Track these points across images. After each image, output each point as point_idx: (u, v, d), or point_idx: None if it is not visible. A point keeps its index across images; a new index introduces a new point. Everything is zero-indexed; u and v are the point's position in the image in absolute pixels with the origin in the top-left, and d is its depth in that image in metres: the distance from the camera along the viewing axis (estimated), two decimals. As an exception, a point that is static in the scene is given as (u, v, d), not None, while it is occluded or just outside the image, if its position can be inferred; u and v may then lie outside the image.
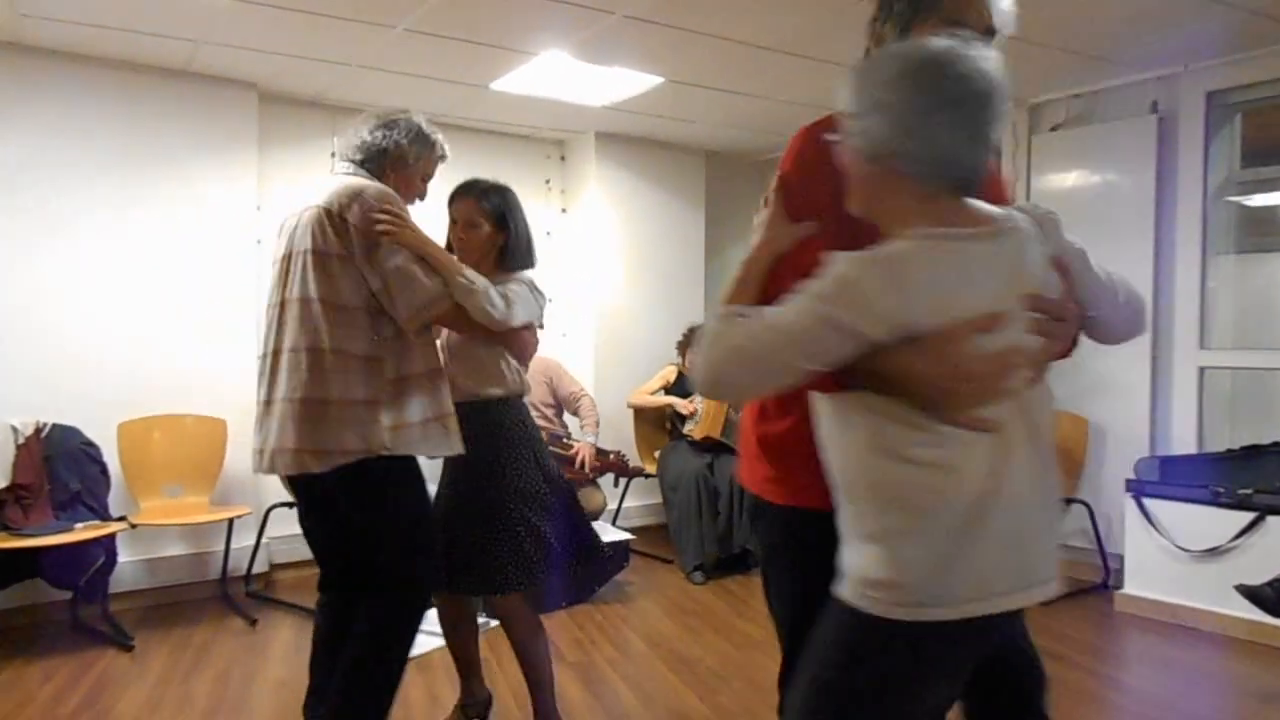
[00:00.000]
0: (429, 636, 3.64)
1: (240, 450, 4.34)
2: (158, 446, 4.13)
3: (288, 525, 4.50)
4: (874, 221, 1.30)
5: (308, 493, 2.42)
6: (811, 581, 1.41)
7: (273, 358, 2.29)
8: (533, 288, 2.54)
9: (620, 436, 5.20)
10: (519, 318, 2.42)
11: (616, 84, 4.41)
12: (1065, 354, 1.36)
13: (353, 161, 2.40)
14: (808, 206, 1.38)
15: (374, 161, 2.39)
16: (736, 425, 4.91)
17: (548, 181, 5.72)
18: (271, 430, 2.25)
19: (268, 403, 2.28)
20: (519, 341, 2.55)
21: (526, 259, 2.67)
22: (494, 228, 2.62)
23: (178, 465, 4.15)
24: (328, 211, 2.23)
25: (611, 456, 4.82)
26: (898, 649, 1.25)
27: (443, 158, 2.52)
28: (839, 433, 1.32)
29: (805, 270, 1.26)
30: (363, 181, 2.30)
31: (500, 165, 5.39)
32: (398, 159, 2.40)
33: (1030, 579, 1.28)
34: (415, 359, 2.30)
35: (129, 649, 3.59)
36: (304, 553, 4.66)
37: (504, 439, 2.58)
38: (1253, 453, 3.90)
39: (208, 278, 4.32)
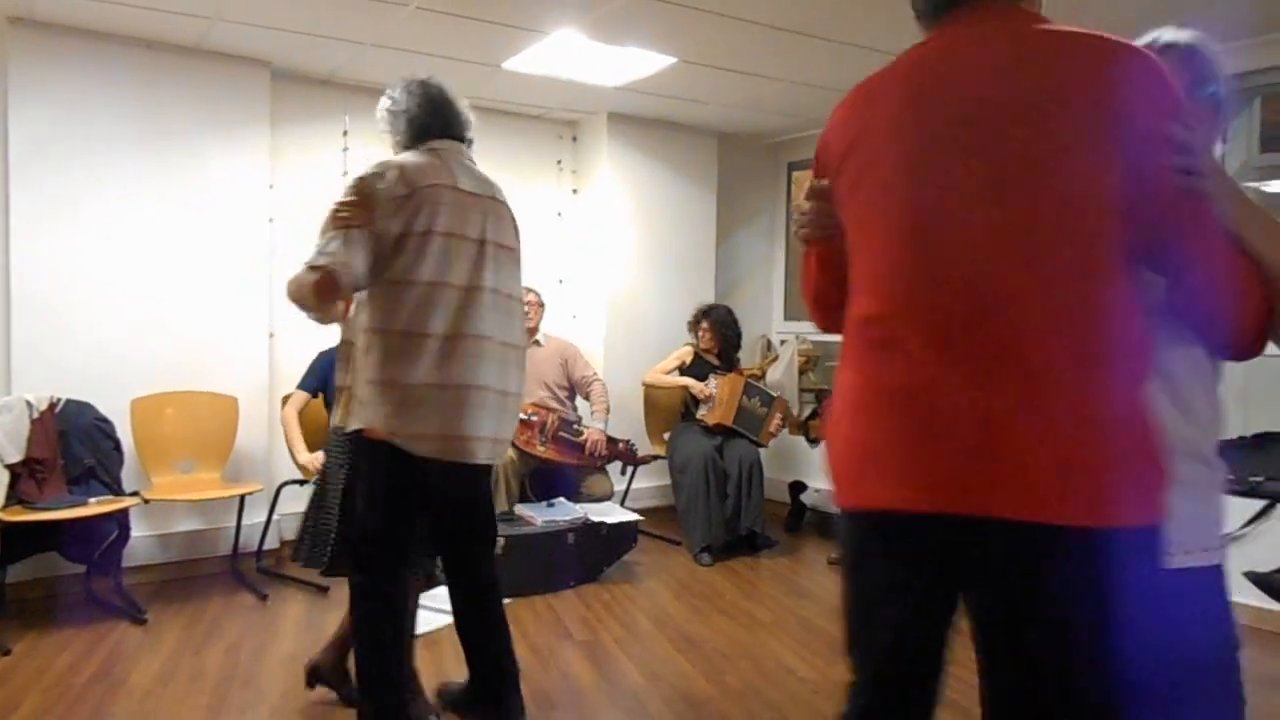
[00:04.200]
0: (435, 614, 3.68)
1: (252, 427, 4.38)
2: (170, 423, 4.16)
3: (299, 502, 4.54)
4: None
5: (469, 477, 2.52)
6: None
7: (473, 341, 2.36)
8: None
9: (630, 417, 5.21)
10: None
11: (629, 64, 4.39)
12: None
13: (470, 144, 2.58)
14: None
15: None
16: (751, 414, 4.97)
17: (559, 162, 5.71)
18: (505, 421, 2.47)
19: (503, 394, 2.43)
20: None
21: None
22: None
23: (190, 441, 4.18)
24: (509, 211, 2.56)
25: (621, 445, 4.85)
26: None
27: None
28: (1210, 383, 1.35)
29: None
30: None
31: (512, 145, 5.42)
32: None
33: None
34: None
35: (142, 622, 3.64)
36: (315, 530, 4.76)
37: None
38: (1264, 440, 3.87)
39: (221, 255, 4.33)
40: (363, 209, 2.24)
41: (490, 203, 2.48)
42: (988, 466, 1.17)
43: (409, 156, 2.41)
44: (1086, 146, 1.17)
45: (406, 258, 2.28)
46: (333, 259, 2.17)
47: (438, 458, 2.33)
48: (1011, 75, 1.23)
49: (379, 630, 2.43)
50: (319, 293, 2.16)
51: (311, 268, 2.17)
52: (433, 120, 2.48)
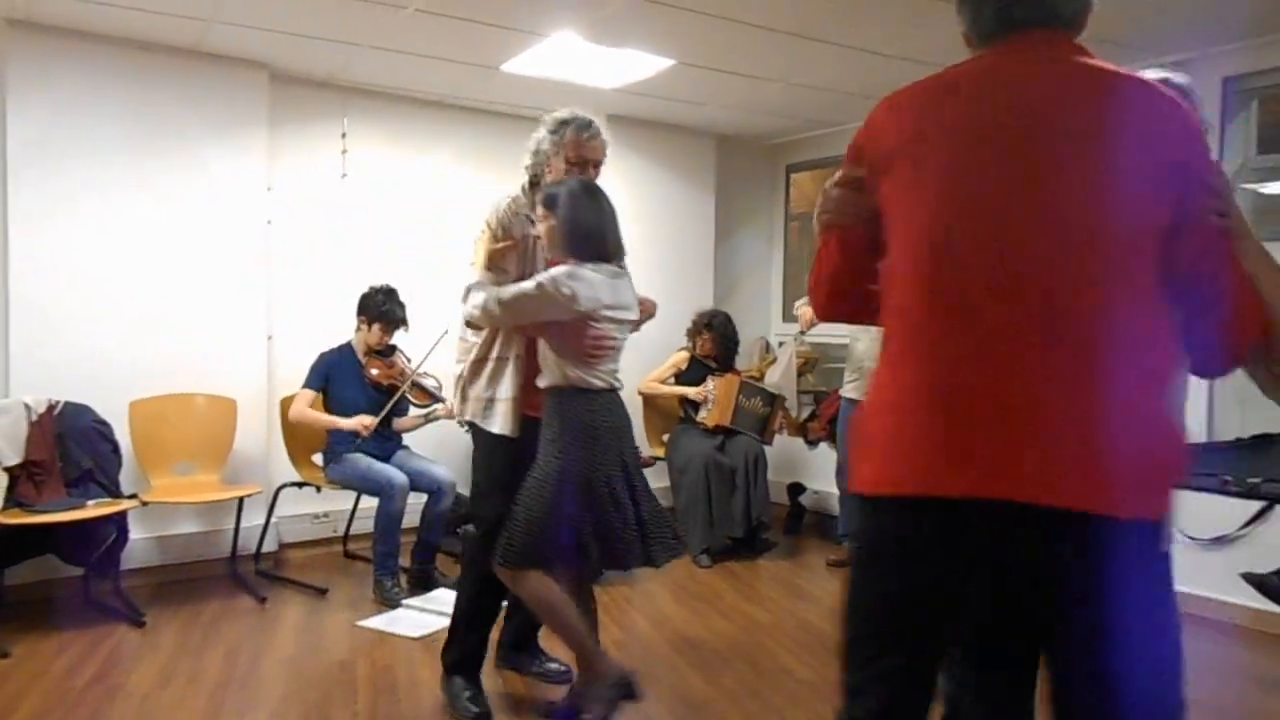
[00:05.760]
0: (438, 617, 3.68)
1: (250, 429, 4.37)
2: (169, 425, 4.15)
3: (297, 504, 4.55)
4: None
5: None
6: None
7: None
8: (555, 281, 2.55)
9: (628, 420, 5.19)
10: (492, 312, 2.63)
11: (628, 66, 4.39)
12: None
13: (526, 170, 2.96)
14: None
15: (534, 166, 2.94)
16: (752, 413, 4.97)
17: (558, 164, 5.69)
18: None
19: None
20: (542, 335, 2.67)
21: (581, 248, 2.71)
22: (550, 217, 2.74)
23: (189, 444, 4.18)
24: None
25: None
26: None
27: (586, 137, 2.96)
28: None
29: None
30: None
31: (510, 147, 5.38)
32: (543, 155, 2.91)
33: None
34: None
35: (140, 625, 3.64)
36: (313, 532, 4.77)
37: (548, 425, 2.67)
38: (1263, 442, 3.85)
39: (219, 258, 4.33)
40: None
41: None
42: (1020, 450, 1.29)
43: None
44: (1137, 182, 1.31)
45: None
46: None
47: None
48: (1069, 103, 1.34)
49: None
50: None
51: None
52: None
